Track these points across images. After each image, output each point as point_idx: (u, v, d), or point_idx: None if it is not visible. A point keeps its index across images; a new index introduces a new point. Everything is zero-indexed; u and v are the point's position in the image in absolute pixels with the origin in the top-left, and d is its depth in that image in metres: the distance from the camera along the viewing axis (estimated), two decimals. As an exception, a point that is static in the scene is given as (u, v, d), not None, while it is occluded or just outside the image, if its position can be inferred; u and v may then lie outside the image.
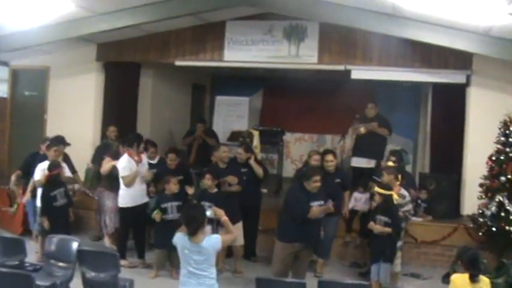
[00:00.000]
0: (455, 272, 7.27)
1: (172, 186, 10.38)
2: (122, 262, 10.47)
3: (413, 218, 11.31)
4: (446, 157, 12.75)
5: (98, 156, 12.34)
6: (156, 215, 10.14)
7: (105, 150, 12.25)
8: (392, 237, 9.18)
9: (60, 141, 11.43)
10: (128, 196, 10.70)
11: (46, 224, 10.09)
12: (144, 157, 11.15)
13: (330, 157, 10.44)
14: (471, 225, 11.21)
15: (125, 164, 10.65)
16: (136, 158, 10.75)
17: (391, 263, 9.26)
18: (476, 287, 6.91)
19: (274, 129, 15.50)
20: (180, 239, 6.60)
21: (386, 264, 9.15)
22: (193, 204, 8.39)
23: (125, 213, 10.79)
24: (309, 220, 8.89)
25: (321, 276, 10.14)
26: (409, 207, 9.72)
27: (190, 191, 10.15)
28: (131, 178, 10.58)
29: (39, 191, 10.63)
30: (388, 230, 9.09)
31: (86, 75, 14.32)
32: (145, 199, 10.91)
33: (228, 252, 10.68)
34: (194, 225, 6.49)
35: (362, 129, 12.84)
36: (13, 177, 11.89)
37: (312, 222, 8.99)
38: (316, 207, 8.90)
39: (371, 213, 9.62)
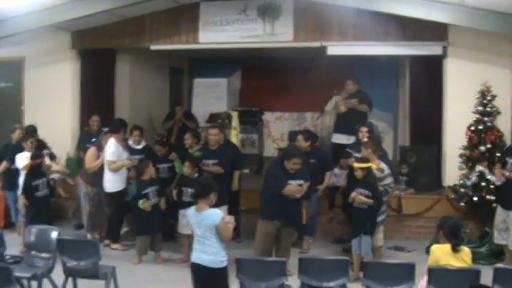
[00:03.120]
0: (438, 243, 7.28)
1: (152, 170, 10.39)
2: (114, 246, 10.89)
3: (396, 192, 11.40)
4: (426, 129, 12.72)
5: (82, 142, 12.49)
6: (145, 205, 10.14)
7: (88, 136, 12.38)
8: (373, 209, 9.19)
9: (34, 131, 11.54)
10: (116, 181, 10.87)
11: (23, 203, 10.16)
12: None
13: (299, 137, 10.51)
14: (453, 196, 11.26)
15: (113, 149, 10.75)
16: (122, 144, 10.92)
17: (372, 235, 9.26)
18: (458, 257, 6.94)
19: (253, 109, 15.44)
20: (191, 209, 7.14)
21: (366, 236, 9.17)
22: (204, 177, 9.33)
23: (116, 197, 10.91)
24: (287, 197, 8.97)
25: (307, 253, 10.26)
26: (389, 180, 9.70)
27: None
28: (119, 166, 10.76)
29: (21, 181, 10.60)
30: (369, 201, 9.12)
31: (61, 64, 14.15)
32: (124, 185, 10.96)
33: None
34: (197, 192, 7.07)
35: (342, 108, 12.78)
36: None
37: (291, 200, 9.04)
38: (292, 185, 8.95)
39: (351, 187, 9.62)
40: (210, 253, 6.91)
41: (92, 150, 11.21)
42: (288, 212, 9.10)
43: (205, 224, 6.89)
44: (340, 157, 11.28)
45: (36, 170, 10.28)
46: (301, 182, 9.05)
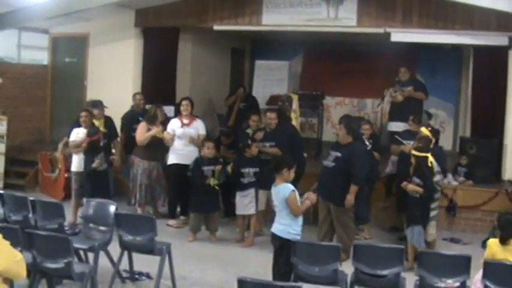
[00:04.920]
0: (495, 237, 7.20)
1: (206, 151, 10.44)
2: (170, 222, 11.06)
3: (453, 183, 11.33)
4: (488, 121, 12.49)
5: (127, 124, 12.33)
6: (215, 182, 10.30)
7: (132, 117, 12.24)
8: (423, 199, 9.11)
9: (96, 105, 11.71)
10: (171, 154, 11.18)
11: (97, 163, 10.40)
12: (199, 121, 11.41)
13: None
14: (512, 190, 11.09)
15: (169, 125, 11.22)
16: (186, 121, 11.16)
17: (423, 226, 9.18)
18: (507, 249, 6.84)
19: (313, 93, 15.36)
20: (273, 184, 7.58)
21: (417, 226, 9.11)
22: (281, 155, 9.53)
23: (170, 170, 11.19)
24: (324, 168, 9.53)
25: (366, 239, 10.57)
26: (438, 178, 9.60)
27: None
28: (167, 139, 11.08)
29: (76, 157, 10.79)
30: (419, 189, 9.03)
31: (124, 41, 14.34)
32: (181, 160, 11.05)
33: (269, 216, 10.77)
34: (272, 168, 7.55)
35: (399, 97, 12.78)
36: (60, 145, 11.98)
37: (324, 173, 9.52)
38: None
39: (401, 174, 9.61)
40: (282, 223, 7.40)
41: (142, 124, 11.28)
42: (322, 185, 9.42)
43: (279, 197, 7.37)
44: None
45: (94, 145, 10.48)
46: (338, 154, 9.32)
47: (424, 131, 10.02)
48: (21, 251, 6.67)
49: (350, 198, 9.23)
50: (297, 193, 7.38)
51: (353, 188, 9.23)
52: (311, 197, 7.46)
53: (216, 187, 10.31)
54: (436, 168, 9.52)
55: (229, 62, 17.92)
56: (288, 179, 7.41)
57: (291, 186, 7.34)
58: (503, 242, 6.87)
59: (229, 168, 10.36)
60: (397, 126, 12.76)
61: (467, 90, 14.44)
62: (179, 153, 11.04)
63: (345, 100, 17.58)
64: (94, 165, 10.38)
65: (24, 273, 5.08)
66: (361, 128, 10.83)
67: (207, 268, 8.94)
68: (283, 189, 7.33)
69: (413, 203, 9.20)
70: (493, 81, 12.38)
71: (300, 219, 7.41)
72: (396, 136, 11.19)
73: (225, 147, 11.69)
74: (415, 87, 12.83)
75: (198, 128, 11.26)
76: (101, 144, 10.62)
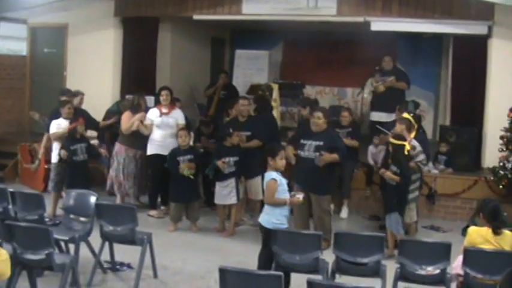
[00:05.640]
0: (475, 225, 7.23)
1: (179, 140, 10.41)
2: (151, 212, 11.00)
3: (433, 171, 11.36)
4: (468, 110, 12.57)
5: (110, 118, 12.25)
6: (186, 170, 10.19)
7: (119, 114, 11.98)
8: (400, 186, 9.14)
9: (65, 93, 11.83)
10: (150, 144, 11.06)
11: (63, 153, 10.31)
12: (178, 111, 11.32)
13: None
14: (492, 178, 11.11)
15: (149, 114, 11.09)
16: (164, 110, 11.06)
17: (400, 213, 9.18)
18: (499, 239, 6.84)
19: (294, 82, 15.42)
20: None
21: (394, 213, 9.15)
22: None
23: (151, 161, 11.13)
24: (303, 160, 9.32)
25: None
26: (421, 157, 9.61)
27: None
28: (147, 128, 11.02)
29: (55, 147, 10.75)
30: (395, 177, 9.09)
31: (104, 31, 14.24)
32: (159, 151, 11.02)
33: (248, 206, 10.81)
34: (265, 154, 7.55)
35: (381, 87, 12.85)
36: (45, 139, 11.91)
37: (302, 162, 9.31)
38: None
39: (386, 163, 9.65)
40: (266, 213, 7.44)
41: (127, 114, 11.22)
42: (302, 176, 9.35)
43: (264, 185, 7.45)
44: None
45: (72, 134, 10.44)
46: (320, 143, 9.21)
47: (406, 116, 10.07)
48: (1, 243, 6.68)
49: (326, 158, 9.12)
50: (281, 182, 7.36)
51: (333, 157, 9.18)
52: (294, 200, 7.42)
53: (191, 177, 10.20)
54: (419, 148, 9.54)
55: (209, 52, 17.88)
56: (277, 167, 7.39)
57: (273, 175, 7.32)
58: (496, 231, 6.79)
59: (219, 163, 10.14)
60: (379, 116, 12.80)
61: (447, 79, 14.50)
62: (158, 144, 10.96)
63: (325, 89, 17.61)
64: (62, 155, 10.37)
65: (8, 272, 5.03)
66: (340, 115, 10.94)
67: (188, 257, 8.94)
68: (266, 177, 7.39)
69: (390, 190, 9.27)
70: (472, 70, 12.45)
71: (285, 209, 7.40)
72: (378, 126, 11.24)
73: (206, 137, 11.62)
74: (397, 77, 12.85)
75: (177, 117, 11.18)
76: (77, 135, 10.53)
